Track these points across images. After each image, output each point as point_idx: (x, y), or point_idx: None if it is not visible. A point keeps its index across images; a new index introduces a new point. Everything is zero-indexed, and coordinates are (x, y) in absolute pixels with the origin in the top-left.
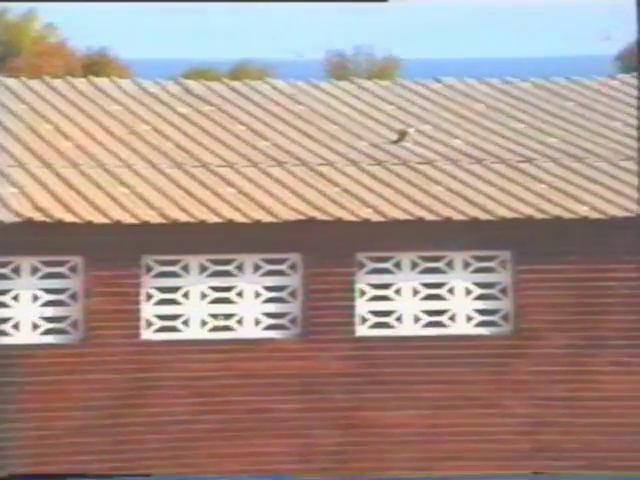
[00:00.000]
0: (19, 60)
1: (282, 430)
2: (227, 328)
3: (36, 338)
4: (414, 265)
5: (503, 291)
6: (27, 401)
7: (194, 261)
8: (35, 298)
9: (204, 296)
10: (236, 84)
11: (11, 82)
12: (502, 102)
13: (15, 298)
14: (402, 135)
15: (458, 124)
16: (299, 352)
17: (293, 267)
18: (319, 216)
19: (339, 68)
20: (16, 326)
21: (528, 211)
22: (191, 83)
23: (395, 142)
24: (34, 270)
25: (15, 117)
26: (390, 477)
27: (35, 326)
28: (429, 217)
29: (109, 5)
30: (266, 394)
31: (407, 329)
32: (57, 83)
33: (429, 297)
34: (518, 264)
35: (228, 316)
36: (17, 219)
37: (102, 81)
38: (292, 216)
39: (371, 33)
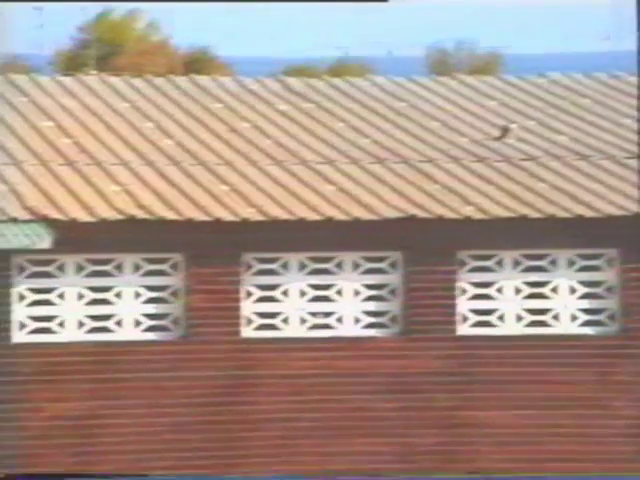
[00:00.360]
0: (122, 59)
1: (382, 429)
2: (326, 326)
3: (138, 334)
4: (516, 263)
5: (609, 290)
6: (128, 397)
7: (293, 259)
8: (137, 295)
9: (303, 294)
10: (336, 81)
11: (114, 80)
12: (608, 97)
13: (118, 295)
14: (505, 131)
15: (563, 119)
16: (399, 351)
17: (393, 265)
18: (420, 214)
19: (440, 64)
20: (119, 323)
21: (635, 208)
22: (291, 80)
23: (498, 138)
24: (136, 267)
25: (118, 115)
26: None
27: (137, 323)
28: (532, 214)
29: (211, 3)
30: (366, 393)
31: (509, 328)
32: (159, 81)
33: (532, 296)
34: (625, 262)
35: (327, 314)
36: (120, 216)
37: (203, 79)
38: (392, 214)
39: (464, 28)
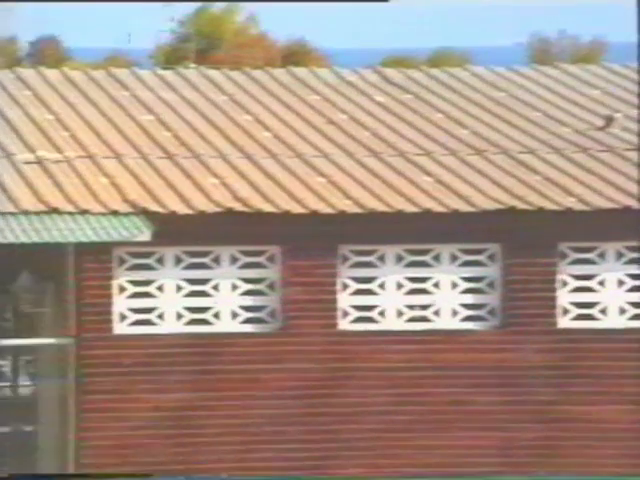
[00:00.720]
0: (221, 52)
1: (481, 423)
2: (424, 319)
3: (236, 327)
4: (619, 256)
5: None
6: (226, 389)
7: (390, 251)
8: (234, 287)
9: (400, 286)
10: (435, 71)
11: (213, 74)
12: None
13: (215, 287)
14: (609, 121)
15: None
16: (498, 344)
17: (492, 258)
18: (520, 205)
19: (542, 53)
20: (216, 315)
21: None
22: (389, 71)
23: (601, 128)
24: (233, 260)
25: (217, 108)
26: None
27: (234, 315)
28: (637, 206)
29: None
30: (464, 386)
31: (612, 321)
32: (257, 74)
33: (635, 289)
34: None
35: (424, 307)
36: (218, 209)
37: (301, 71)
38: (491, 205)
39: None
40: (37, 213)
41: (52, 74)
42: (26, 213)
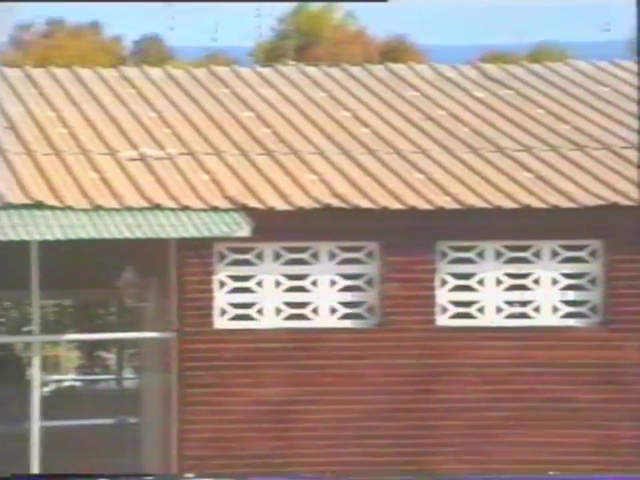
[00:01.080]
0: (319, 49)
1: (579, 421)
2: (523, 315)
3: (334, 322)
4: None
5: None
6: (324, 384)
7: (489, 247)
8: (333, 283)
9: (499, 283)
10: (535, 66)
11: (311, 70)
12: None
13: (314, 283)
14: None
15: None
16: (600, 341)
17: (593, 254)
18: (622, 201)
19: None
20: (315, 310)
21: None
22: (489, 67)
23: None
24: (332, 255)
25: (315, 105)
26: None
27: (333, 310)
28: None
29: None
30: (563, 383)
31: None
32: (355, 70)
33: None
34: None
35: (524, 303)
36: (316, 205)
37: (399, 67)
38: (593, 202)
39: None
40: (140, 209)
41: (155, 72)
42: (130, 209)
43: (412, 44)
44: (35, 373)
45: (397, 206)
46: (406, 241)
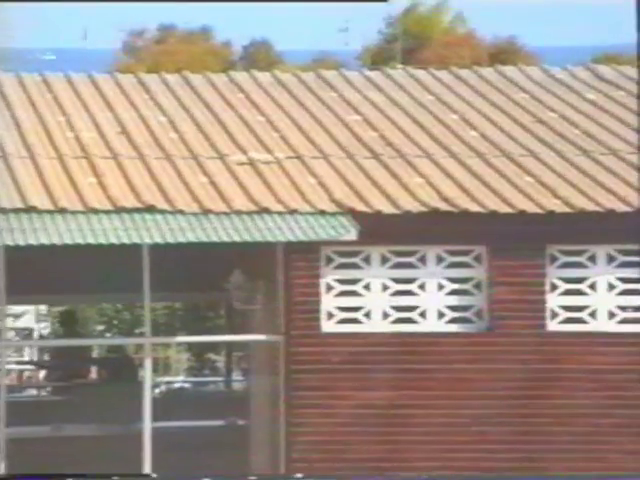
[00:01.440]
0: (427, 51)
1: None
2: (637, 321)
3: (442, 326)
4: None
5: None
6: (432, 388)
7: (601, 251)
8: (440, 287)
9: (612, 287)
10: None
11: (419, 73)
12: None
13: (421, 286)
14: None
15: None
16: None
17: None
18: None
19: None
20: (423, 314)
21: None
22: (602, 68)
23: None
24: (439, 259)
25: (423, 108)
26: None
27: (440, 314)
28: None
29: None
30: None
31: None
32: (464, 73)
33: None
34: None
35: (638, 309)
36: (423, 209)
37: (509, 69)
38: None
39: None
40: (248, 213)
41: (263, 77)
42: (238, 213)
43: (522, 46)
44: (147, 375)
45: (506, 210)
46: (515, 245)
